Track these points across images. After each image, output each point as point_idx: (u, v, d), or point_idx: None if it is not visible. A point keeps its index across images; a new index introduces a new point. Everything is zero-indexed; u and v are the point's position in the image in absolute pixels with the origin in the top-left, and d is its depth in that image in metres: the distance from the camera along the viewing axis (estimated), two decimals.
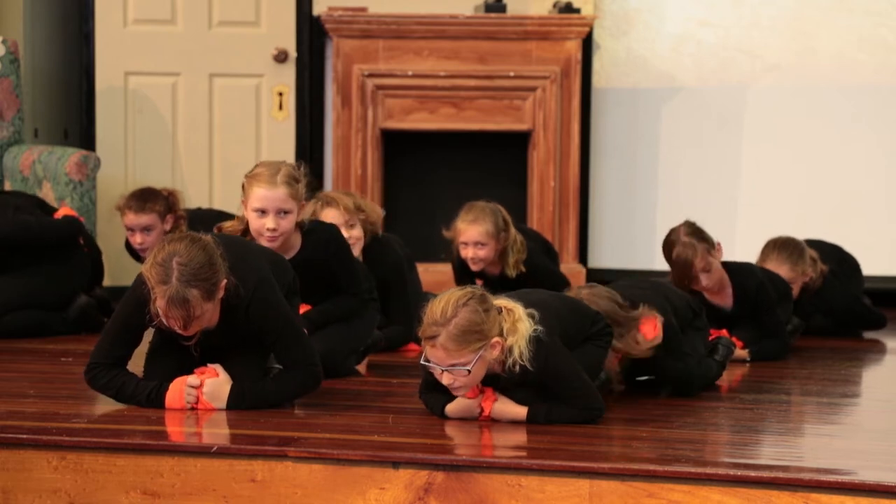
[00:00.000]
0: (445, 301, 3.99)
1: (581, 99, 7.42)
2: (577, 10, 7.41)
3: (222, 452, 3.71)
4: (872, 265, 6.81)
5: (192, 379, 4.20)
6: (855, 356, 5.94)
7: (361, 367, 5.10)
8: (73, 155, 6.87)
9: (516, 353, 4.02)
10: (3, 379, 4.85)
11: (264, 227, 4.76)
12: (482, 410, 4.11)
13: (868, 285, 6.81)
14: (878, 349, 6.20)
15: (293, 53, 7.71)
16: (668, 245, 5.46)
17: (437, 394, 4.16)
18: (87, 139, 7.75)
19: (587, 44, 7.51)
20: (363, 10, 7.42)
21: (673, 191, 7.62)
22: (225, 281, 4.10)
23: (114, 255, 6.96)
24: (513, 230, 6.05)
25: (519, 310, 4.06)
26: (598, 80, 7.68)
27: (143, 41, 7.64)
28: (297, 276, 4.56)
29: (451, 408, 4.12)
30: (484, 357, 4.01)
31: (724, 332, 5.31)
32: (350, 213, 5.48)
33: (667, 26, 7.68)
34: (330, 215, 5.43)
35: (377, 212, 5.69)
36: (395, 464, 3.65)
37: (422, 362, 4.05)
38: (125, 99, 7.66)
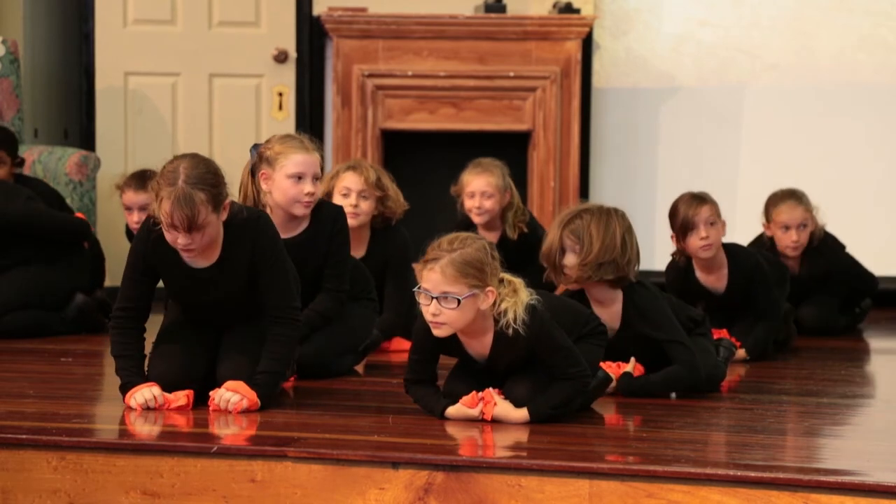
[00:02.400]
0: (455, 236, 4.05)
1: (581, 99, 7.42)
2: (577, 11, 7.41)
3: (222, 453, 3.71)
4: (874, 265, 6.81)
5: (155, 391, 4.21)
6: (854, 356, 5.94)
7: (359, 368, 5.10)
8: (73, 155, 6.88)
9: (511, 315, 4.02)
10: (2, 379, 4.85)
11: (302, 193, 4.76)
12: (483, 415, 4.10)
13: (885, 286, 6.89)
14: (877, 350, 6.20)
15: (293, 54, 7.71)
16: (675, 203, 5.42)
17: (428, 390, 4.16)
18: (86, 139, 7.76)
19: (587, 44, 7.51)
20: (363, 10, 7.43)
21: (672, 190, 7.58)
22: (230, 200, 4.19)
23: (115, 255, 6.95)
24: (516, 193, 6.15)
25: (519, 281, 4.09)
26: (597, 80, 7.68)
27: (142, 41, 7.64)
28: (295, 254, 4.56)
29: (451, 412, 4.12)
30: (475, 300, 4.00)
31: (725, 333, 5.31)
32: (368, 185, 5.46)
33: (666, 26, 7.68)
34: (349, 178, 5.46)
35: (400, 202, 5.61)
36: (395, 464, 3.65)
37: (415, 290, 4.06)
38: (125, 99, 7.66)
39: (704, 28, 7.63)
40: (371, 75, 7.38)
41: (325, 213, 4.91)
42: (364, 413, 4.29)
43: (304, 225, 4.87)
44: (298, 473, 3.67)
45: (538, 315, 4.06)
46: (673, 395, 4.61)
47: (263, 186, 4.79)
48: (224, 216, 4.21)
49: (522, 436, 3.93)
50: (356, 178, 5.46)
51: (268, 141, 4.88)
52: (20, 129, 7.23)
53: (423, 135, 7.54)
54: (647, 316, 4.61)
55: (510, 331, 4.03)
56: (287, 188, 4.76)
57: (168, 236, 4.17)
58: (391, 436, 3.94)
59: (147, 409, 4.18)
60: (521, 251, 5.70)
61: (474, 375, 4.19)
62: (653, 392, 4.57)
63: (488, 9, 7.41)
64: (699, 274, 5.52)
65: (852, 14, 7.38)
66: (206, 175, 4.14)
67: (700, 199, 5.38)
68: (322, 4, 7.62)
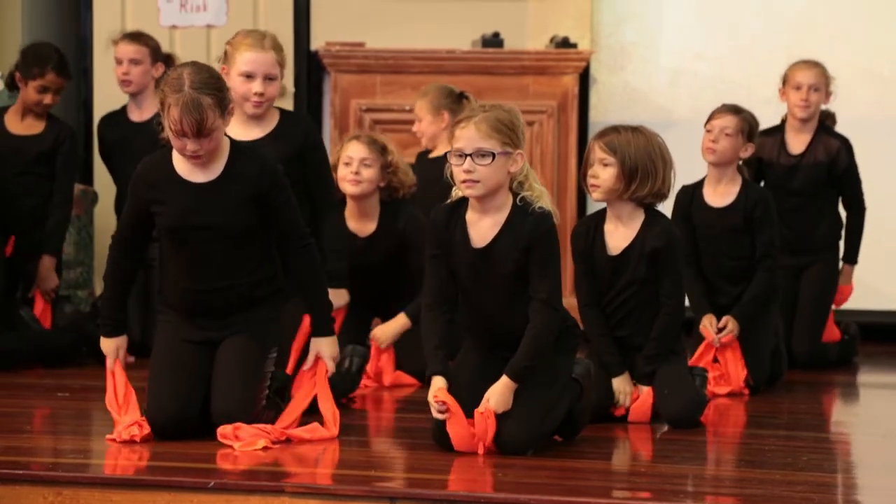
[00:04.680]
0: (487, 102, 4.18)
1: (578, 133, 7.42)
2: (574, 45, 7.42)
3: (219, 488, 3.69)
4: (869, 299, 6.83)
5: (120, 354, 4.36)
6: (849, 391, 5.94)
7: (357, 399, 5.05)
8: None
9: (536, 194, 4.12)
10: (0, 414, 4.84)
11: (251, 92, 4.73)
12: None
13: (867, 319, 6.88)
14: (871, 384, 6.19)
15: (291, 88, 7.72)
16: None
17: (434, 336, 4.14)
18: (84, 173, 7.74)
19: (584, 78, 7.52)
20: (360, 45, 7.44)
21: None
22: (233, 105, 4.22)
23: None
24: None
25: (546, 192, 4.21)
26: (595, 114, 7.69)
27: None
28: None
29: (436, 385, 4.09)
30: (507, 160, 4.08)
31: (708, 357, 5.38)
32: (372, 152, 5.46)
33: (663, 60, 7.70)
34: (351, 147, 5.48)
35: (409, 175, 5.61)
36: (392, 499, 3.63)
37: (446, 153, 4.13)
38: None
39: (701, 62, 7.64)
40: (368, 110, 7.39)
41: (296, 118, 4.92)
42: (361, 447, 4.27)
43: (274, 125, 4.82)
44: None
45: (552, 224, 4.12)
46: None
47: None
48: (229, 121, 4.22)
49: (521, 470, 3.91)
50: (358, 147, 5.48)
51: (237, 33, 4.84)
52: None
53: None
54: (666, 231, 4.69)
55: (529, 211, 4.08)
56: (238, 85, 4.72)
57: (177, 144, 4.18)
58: (388, 470, 3.93)
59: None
60: None
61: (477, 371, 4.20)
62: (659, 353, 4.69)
63: (486, 44, 7.42)
64: (706, 190, 5.65)
65: (848, 47, 7.39)
66: (211, 80, 4.19)
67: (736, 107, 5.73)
68: (320, 39, 7.63)
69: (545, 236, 4.12)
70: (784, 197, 6.15)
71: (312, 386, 4.33)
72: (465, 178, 4.08)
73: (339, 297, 4.79)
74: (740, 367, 5.42)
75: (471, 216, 4.17)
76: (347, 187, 5.48)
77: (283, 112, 4.89)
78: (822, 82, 6.32)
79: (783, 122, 6.43)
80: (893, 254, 7.30)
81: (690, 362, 5.18)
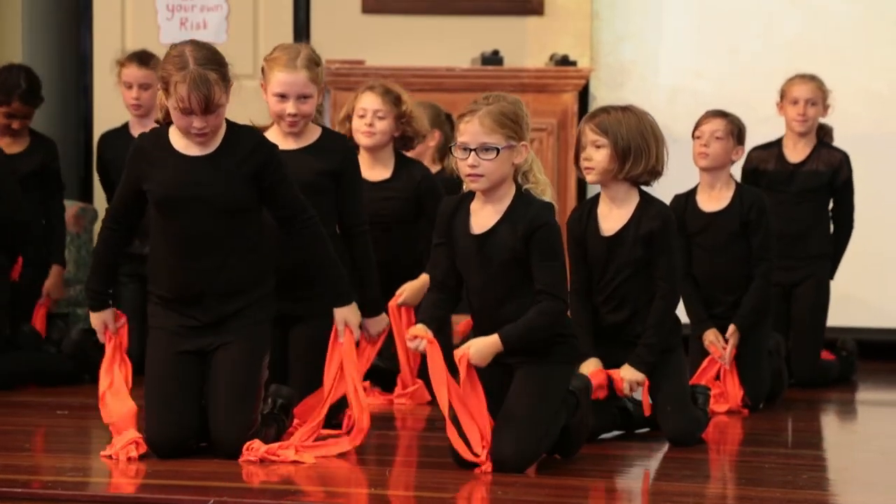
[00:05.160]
0: (490, 93, 4.18)
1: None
2: (574, 63, 7.44)
3: None
4: (867, 317, 6.83)
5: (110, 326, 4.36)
6: (849, 409, 5.93)
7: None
8: (71, 207, 6.87)
9: (541, 185, 4.16)
10: None
11: (285, 112, 4.76)
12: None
13: (865, 337, 6.87)
14: (871, 402, 6.18)
15: None
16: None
17: (429, 302, 4.20)
18: (84, 191, 7.75)
19: (583, 96, 7.53)
20: (360, 62, 7.45)
21: None
22: (234, 83, 4.25)
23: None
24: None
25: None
26: None
27: None
28: (298, 167, 4.55)
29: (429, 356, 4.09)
30: (512, 152, 4.09)
31: (711, 374, 5.36)
32: (386, 104, 5.45)
33: (662, 78, 7.71)
34: (366, 99, 5.47)
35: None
36: None
37: (450, 147, 4.15)
38: None
39: (700, 80, 7.65)
40: None
41: (336, 139, 4.91)
42: (364, 465, 4.27)
43: (316, 137, 4.82)
44: None
45: (552, 214, 4.16)
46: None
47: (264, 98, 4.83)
48: (227, 96, 4.23)
49: (521, 489, 3.91)
50: (372, 98, 5.47)
51: (274, 49, 4.87)
52: None
53: None
54: (662, 213, 4.67)
55: (531, 201, 4.11)
56: (273, 104, 4.78)
57: (182, 123, 4.18)
58: (390, 489, 3.93)
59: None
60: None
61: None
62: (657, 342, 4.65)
63: (485, 61, 7.44)
64: (699, 197, 5.65)
65: (848, 66, 7.40)
66: (213, 55, 4.21)
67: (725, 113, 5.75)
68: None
69: (546, 227, 4.12)
70: (779, 201, 6.16)
71: (339, 369, 4.35)
72: (469, 172, 4.10)
73: (378, 324, 4.74)
74: (737, 385, 5.41)
75: (474, 205, 4.20)
76: (361, 139, 5.48)
77: (325, 129, 4.89)
78: (819, 96, 6.34)
79: (781, 137, 6.44)
80: (891, 272, 7.30)
81: (693, 380, 5.17)
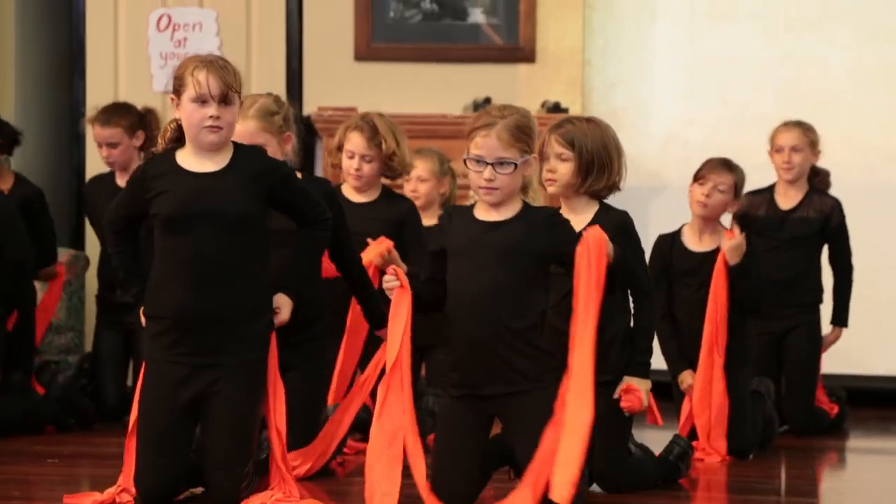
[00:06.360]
0: (501, 104, 4.23)
1: None
2: (566, 110, 7.46)
3: None
4: (856, 365, 6.84)
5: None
6: (842, 457, 5.92)
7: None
8: (63, 255, 6.87)
9: (532, 199, 4.19)
10: None
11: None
12: None
13: (855, 384, 6.90)
14: (863, 449, 6.18)
15: None
16: None
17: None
18: (76, 239, 7.76)
19: None
20: (353, 109, 7.45)
21: None
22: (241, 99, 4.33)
23: None
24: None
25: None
26: None
27: None
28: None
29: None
30: (525, 167, 4.13)
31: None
32: (372, 148, 5.48)
33: (653, 126, 7.74)
34: (354, 140, 5.51)
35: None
36: None
37: (464, 158, 4.17)
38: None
39: (691, 128, 7.68)
40: None
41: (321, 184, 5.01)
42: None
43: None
44: None
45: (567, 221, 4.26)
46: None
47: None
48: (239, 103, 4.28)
49: None
50: (360, 142, 5.51)
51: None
52: None
53: None
54: (619, 218, 4.63)
55: (540, 209, 4.17)
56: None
57: (196, 116, 4.18)
58: None
59: None
60: None
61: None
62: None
63: (477, 108, 7.44)
64: (686, 238, 5.66)
65: (838, 115, 7.42)
66: (227, 62, 4.28)
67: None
68: (312, 104, 7.66)
69: (570, 233, 4.17)
70: (770, 248, 6.18)
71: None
72: (484, 185, 4.11)
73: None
74: (721, 437, 5.36)
75: (479, 208, 4.22)
76: (350, 179, 5.55)
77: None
78: (804, 142, 6.36)
79: (774, 183, 6.46)
80: (880, 319, 7.31)
81: (678, 429, 5.15)
